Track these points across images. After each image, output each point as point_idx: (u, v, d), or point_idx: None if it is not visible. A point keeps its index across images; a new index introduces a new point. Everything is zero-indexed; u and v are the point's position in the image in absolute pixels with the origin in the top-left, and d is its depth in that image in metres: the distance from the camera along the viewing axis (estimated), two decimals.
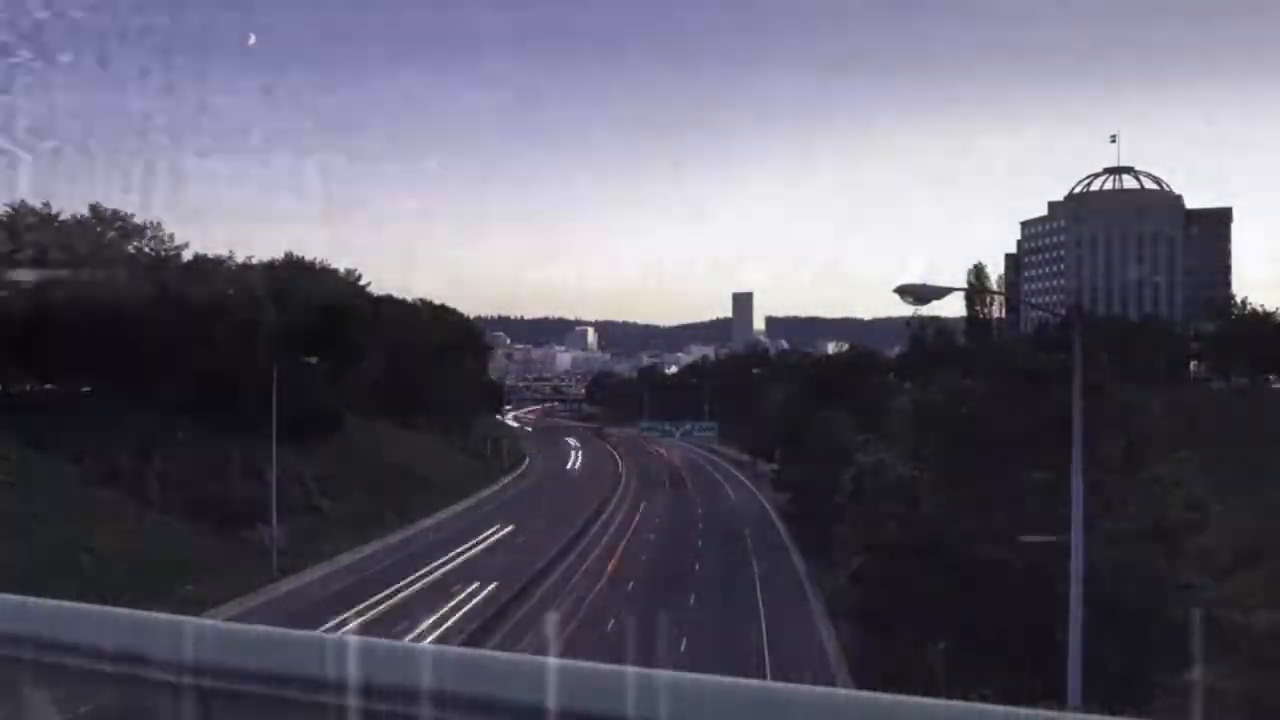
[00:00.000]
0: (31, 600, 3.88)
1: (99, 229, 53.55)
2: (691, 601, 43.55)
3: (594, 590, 46.18)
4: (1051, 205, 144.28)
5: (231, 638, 3.54)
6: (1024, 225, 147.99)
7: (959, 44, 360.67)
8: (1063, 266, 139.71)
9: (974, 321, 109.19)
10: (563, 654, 3.14)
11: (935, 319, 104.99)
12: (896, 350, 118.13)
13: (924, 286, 14.10)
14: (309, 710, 3.23)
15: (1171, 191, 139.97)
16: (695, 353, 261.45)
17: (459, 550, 54.47)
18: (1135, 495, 26.72)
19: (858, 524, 33.58)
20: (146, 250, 55.76)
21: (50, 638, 3.68)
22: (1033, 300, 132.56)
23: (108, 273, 50.04)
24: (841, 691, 2.86)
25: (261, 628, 3.60)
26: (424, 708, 3.06)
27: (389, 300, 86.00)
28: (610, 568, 51.80)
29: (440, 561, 51.04)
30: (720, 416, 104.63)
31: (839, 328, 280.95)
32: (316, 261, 73.56)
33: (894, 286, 13.93)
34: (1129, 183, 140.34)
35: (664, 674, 2.88)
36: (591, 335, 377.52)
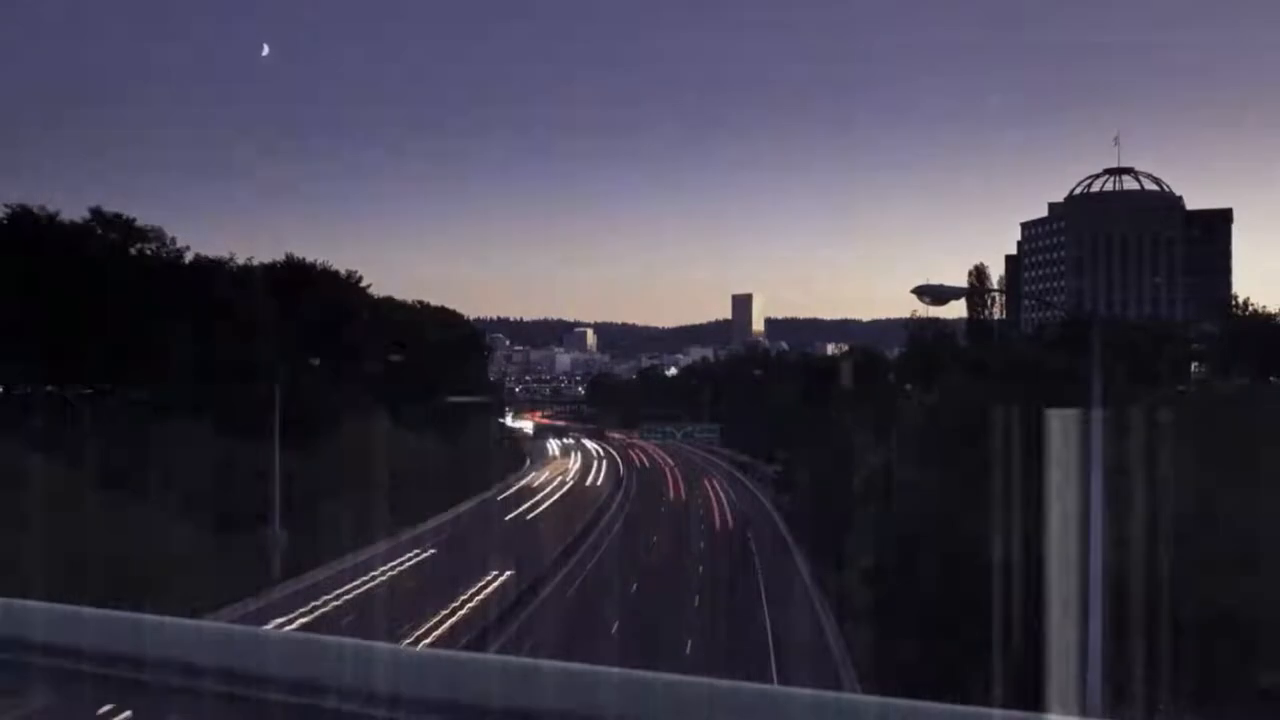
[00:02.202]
0: (31, 604, 3.85)
1: (100, 232, 53.54)
2: (696, 603, 43.46)
3: (595, 596, 46.04)
4: (1052, 206, 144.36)
5: (231, 640, 3.52)
6: (1024, 226, 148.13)
7: (959, 44, 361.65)
8: (1063, 268, 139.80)
9: (975, 323, 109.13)
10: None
11: (935, 320, 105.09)
12: (896, 351, 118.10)
13: (941, 287, 14.06)
14: (307, 713, 3.20)
15: (1171, 192, 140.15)
16: (695, 354, 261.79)
17: (458, 547, 54.48)
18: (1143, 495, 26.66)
19: (867, 524, 33.55)
20: (148, 252, 55.78)
21: (50, 641, 3.64)
22: (1035, 301, 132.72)
23: (110, 275, 50.00)
24: (842, 695, 2.82)
25: (262, 629, 3.61)
26: (421, 712, 3.03)
27: (389, 302, 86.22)
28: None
29: (438, 560, 51.06)
30: (721, 418, 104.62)
31: (838, 329, 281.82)
32: (317, 263, 73.74)
33: (911, 287, 13.95)
34: (1129, 183, 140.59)
35: (663, 676, 2.87)
36: (591, 337, 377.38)
